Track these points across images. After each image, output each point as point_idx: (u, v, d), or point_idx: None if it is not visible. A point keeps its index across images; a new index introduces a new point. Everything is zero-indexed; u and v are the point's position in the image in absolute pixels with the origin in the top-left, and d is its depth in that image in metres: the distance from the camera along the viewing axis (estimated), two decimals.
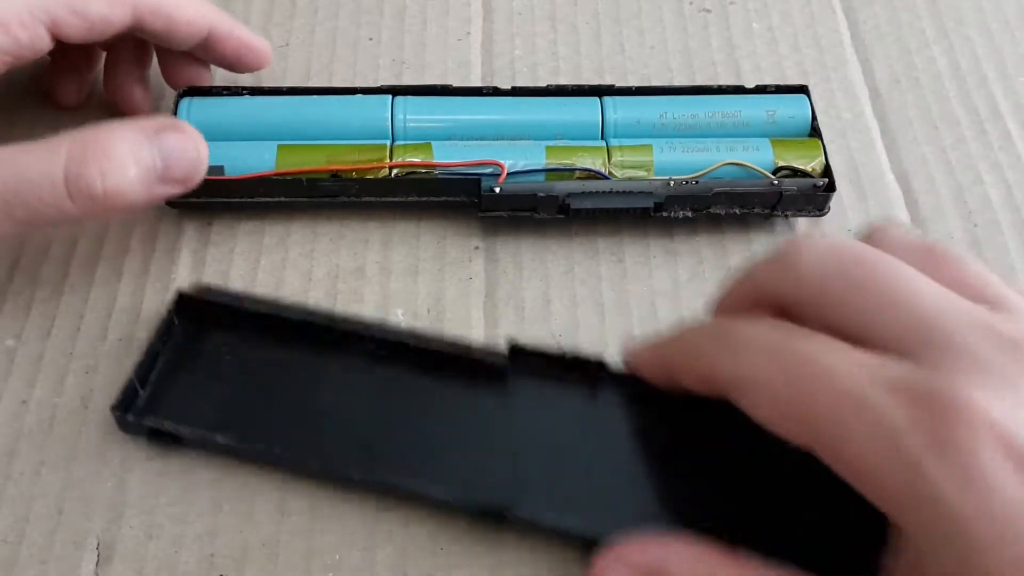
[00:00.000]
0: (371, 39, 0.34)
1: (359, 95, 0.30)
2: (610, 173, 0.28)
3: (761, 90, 0.30)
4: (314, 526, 0.24)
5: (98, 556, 0.23)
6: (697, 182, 0.28)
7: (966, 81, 0.34)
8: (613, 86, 0.30)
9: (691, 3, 0.36)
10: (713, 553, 0.20)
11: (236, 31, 0.29)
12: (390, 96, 0.29)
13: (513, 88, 0.30)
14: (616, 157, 0.28)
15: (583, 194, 0.28)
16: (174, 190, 0.25)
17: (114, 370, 0.26)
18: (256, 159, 0.28)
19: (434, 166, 0.28)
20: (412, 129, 0.29)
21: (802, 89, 0.30)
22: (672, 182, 0.28)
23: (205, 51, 0.29)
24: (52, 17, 0.25)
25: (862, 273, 0.20)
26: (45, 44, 0.26)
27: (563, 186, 0.28)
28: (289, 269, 0.28)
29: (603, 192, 0.28)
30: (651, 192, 0.28)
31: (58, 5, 0.26)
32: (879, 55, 0.34)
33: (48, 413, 0.26)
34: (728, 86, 0.30)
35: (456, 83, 0.32)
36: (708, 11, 0.35)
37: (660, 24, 0.35)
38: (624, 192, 0.28)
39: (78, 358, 0.27)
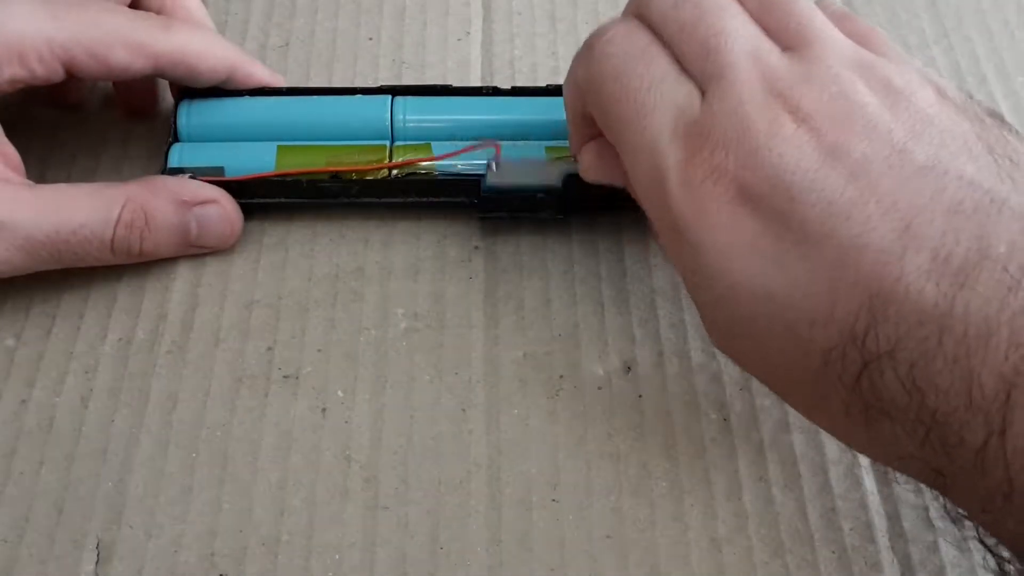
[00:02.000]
0: (371, 39, 0.34)
1: (359, 95, 0.30)
2: None
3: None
4: (314, 526, 0.24)
5: (98, 556, 0.23)
6: None
7: (966, 81, 0.34)
8: None
9: None
10: None
11: (256, 74, 0.29)
12: (390, 96, 0.29)
13: (513, 88, 0.30)
14: None
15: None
16: (203, 252, 0.28)
17: (114, 370, 0.26)
18: (256, 160, 0.28)
19: (433, 159, 0.28)
20: (412, 129, 0.29)
21: None
22: None
23: (224, 87, 0.29)
24: (71, 57, 0.26)
25: (689, 6, 0.22)
26: (59, 78, 0.26)
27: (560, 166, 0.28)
28: (289, 269, 0.28)
29: None
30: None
31: (79, 48, 0.26)
32: None
33: (48, 413, 0.26)
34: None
35: (456, 83, 0.32)
36: None
37: None
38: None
39: (78, 358, 0.27)
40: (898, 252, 0.17)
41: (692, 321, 0.28)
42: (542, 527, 0.24)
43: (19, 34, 0.25)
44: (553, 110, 0.30)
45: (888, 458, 0.20)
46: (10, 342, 0.27)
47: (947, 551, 0.24)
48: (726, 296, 0.19)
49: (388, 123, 0.29)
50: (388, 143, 0.29)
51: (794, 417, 0.26)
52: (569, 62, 0.25)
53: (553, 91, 0.30)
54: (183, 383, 0.26)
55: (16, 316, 0.27)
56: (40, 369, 0.26)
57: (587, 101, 0.23)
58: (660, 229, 0.21)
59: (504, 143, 0.29)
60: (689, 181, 0.20)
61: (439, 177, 0.28)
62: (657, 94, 0.21)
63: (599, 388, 0.26)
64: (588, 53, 0.23)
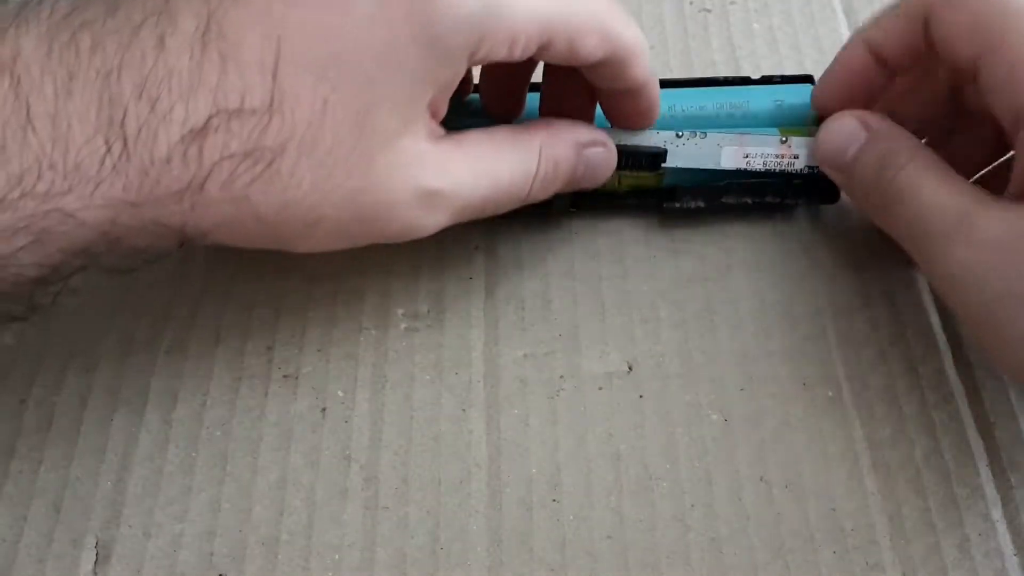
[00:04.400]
0: None
1: None
2: (619, 176, 0.28)
3: (767, 80, 0.30)
4: (313, 526, 0.24)
5: (96, 555, 0.23)
6: (706, 134, 0.28)
7: None
8: None
9: (691, 3, 0.36)
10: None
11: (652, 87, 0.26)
12: None
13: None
14: None
15: None
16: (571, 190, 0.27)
17: (113, 369, 0.26)
18: None
19: None
20: None
21: (808, 79, 0.30)
22: (681, 134, 0.28)
23: (607, 103, 0.27)
24: (549, 40, 0.22)
25: None
26: (523, 60, 0.23)
27: None
28: (290, 268, 0.28)
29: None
30: (659, 148, 0.27)
31: (561, 29, 0.22)
32: None
33: (47, 412, 0.26)
34: (735, 77, 0.30)
35: None
36: (708, 11, 0.35)
37: (660, 24, 0.35)
38: (631, 146, 0.27)
39: (77, 357, 0.26)
40: None
41: (693, 321, 0.28)
42: (542, 527, 0.24)
43: (522, 15, 0.22)
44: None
45: None
46: (9, 340, 0.27)
47: (949, 552, 0.24)
48: None
49: None
50: None
51: (794, 417, 0.26)
52: None
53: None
54: (183, 382, 0.26)
55: None
56: (39, 368, 0.26)
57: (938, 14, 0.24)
58: None
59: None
60: None
61: None
62: None
63: (600, 388, 0.26)
64: None
